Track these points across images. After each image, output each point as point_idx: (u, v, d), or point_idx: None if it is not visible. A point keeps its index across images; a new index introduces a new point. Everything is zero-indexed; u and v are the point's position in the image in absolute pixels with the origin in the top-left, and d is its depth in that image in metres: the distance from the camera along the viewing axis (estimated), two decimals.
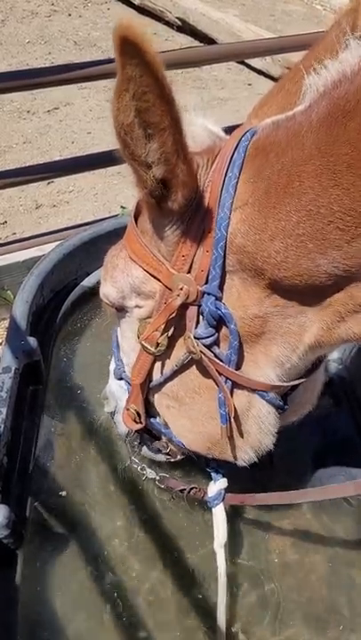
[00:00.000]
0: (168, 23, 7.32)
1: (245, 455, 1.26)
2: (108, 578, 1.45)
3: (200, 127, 1.09)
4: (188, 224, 1.01)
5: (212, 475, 1.47)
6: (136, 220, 1.14)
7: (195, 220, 1.00)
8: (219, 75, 6.36)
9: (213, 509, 1.43)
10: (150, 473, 1.60)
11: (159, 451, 1.52)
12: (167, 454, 1.52)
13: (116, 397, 1.50)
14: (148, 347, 1.14)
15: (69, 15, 7.30)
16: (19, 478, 1.50)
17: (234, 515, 1.58)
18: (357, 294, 0.96)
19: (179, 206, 0.98)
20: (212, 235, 0.99)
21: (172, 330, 1.13)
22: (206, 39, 6.79)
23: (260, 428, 1.20)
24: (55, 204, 4.19)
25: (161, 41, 6.97)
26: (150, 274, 1.10)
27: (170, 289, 1.07)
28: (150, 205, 1.02)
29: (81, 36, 6.87)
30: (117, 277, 1.17)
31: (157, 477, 1.59)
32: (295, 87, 1.07)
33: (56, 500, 1.56)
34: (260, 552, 1.55)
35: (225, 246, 0.99)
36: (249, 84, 6.32)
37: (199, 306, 1.06)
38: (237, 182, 0.97)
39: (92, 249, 1.99)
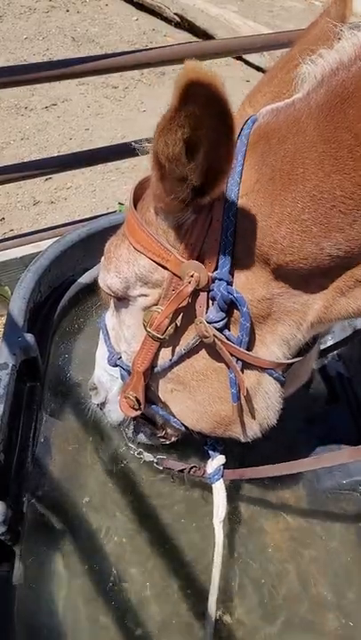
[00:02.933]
0: (166, 19, 7.30)
1: (251, 432, 1.29)
2: (105, 573, 1.45)
3: None
4: (197, 213, 1.03)
5: (210, 452, 1.51)
6: (135, 207, 1.14)
7: (203, 208, 1.02)
8: (217, 71, 6.32)
9: (214, 485, 1.46)
10: (147, 456, 1.62)
11: (154, 435, 1.55)
12: (162, 437, 1.54)
13: (106, 388, 1.51)
14: (156, 334, 1.16)
15: (67, 11, 7.28)
16: (15, 475, 1.49)
17: (231, 510, 1.59)
18: (358, 272, 1.00)
19: (204, 203, 1.00)
20: (221, 222, 1.01)
21: (180, 317, 1.15)
22: (205, 35, 6.78)
23: (268, 404, 1.23)
24: (53, 200, 4.18)
25: (159, 37, 6.96)
26: (158, 263, 1.11)
27: (179, 277, 1.08)
28: (171, 206, 1.02)
29: (79, 32, 6.86)
30: (122, 268, 1.17)
31: (155, 460, 1.60)
32: (288, 76, 1.10)
33: (53, 497, 1.56)
34: (257, 545, 1.56)
35: (234, 233, 1.01)
36: (247, 81, 6.31)
37: (209, 291, 1.08)
38: (242, 169, 0.99)
39: (90, 245, 1.99)
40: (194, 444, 1.58)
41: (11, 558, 1.39)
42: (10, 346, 1.55)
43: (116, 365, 1.40)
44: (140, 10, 7.49)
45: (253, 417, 1.25)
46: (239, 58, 6.57)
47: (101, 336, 1.46)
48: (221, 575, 1.38)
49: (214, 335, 1.10)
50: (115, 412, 1.52)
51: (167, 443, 1.57)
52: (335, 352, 1.96)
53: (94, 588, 1.43)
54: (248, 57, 6.48)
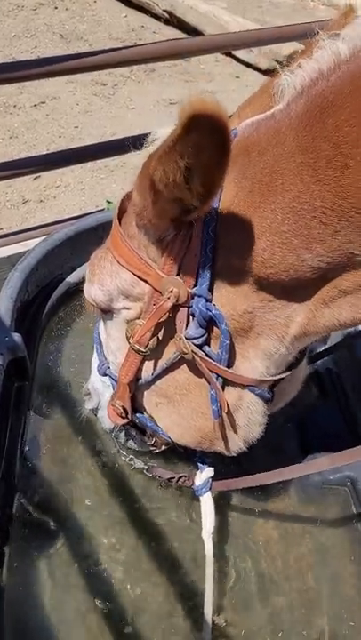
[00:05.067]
0: (155, 16, 7.29)
1: (235, 447, 1.29)
2: (95, 573, 1.45)
3: None
4: (177, 229, 1.02)
5: (199, 464, 1.51)
6: (119, 221, 1.14)
7: (184, 224, 1.01)
8: (206, 67, 6.34)
9: (201, 498, 1.46)
10: (138, 463, 1.62)
11: (144, 442, 1.55)
12: (152, 445, 1.54)
13: (99, 393, 1.51)
14: (138, 347, 1.16)
15: (56, 8, 7.24)
16: (4, 475, 1.49)
17: (221, 506, 1.59)
18: (341, 283, 0.98)
19: (191, 220, 0.99)
20: (200, 238, 1.00)
21: (162, 331, 1.15)
22: (194, 32, 6.76)
23: (250, 419, 1.23)
24: (42, 199, 4.17)
25: (148, 34, 6.94)
26: (139, 277, 1.10)
27: (159, 292, 1.08)
28: (157, 224, 1.02)
29: (67, 29, 6.83)
30: (105, 280, 1.17)
31: (145, 467, 1.60)
32: (276, 89, 1.09)
33: (43, 497, 1.55)
34: (247, 542, 1.56)
35: (213, 248, 1.01)
36: (237, 77, 6.31)
37: (189, 307, 1.08)
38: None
39: (78, 244, 1.98)
40: (185, 452, 1.58)
41: (0, 558, 1.39)
42: None
43: (105, 375, 1.41)
44: (129, 6, 7.46)
45: (236, 432, 1.24)
46: (229, 54, 6.56)
47: (95, 344, 1.46)
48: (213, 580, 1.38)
49: (193, 352, 1.10)
50: (105, 418, 1.52)
51: (157, 451, 1.57)
52: (323, 347, 1.96)
53: (84, 588, 1.43)
54: (237, 53, 6.48)
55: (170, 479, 1.55)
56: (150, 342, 1.15)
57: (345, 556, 1.57)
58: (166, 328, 1.14)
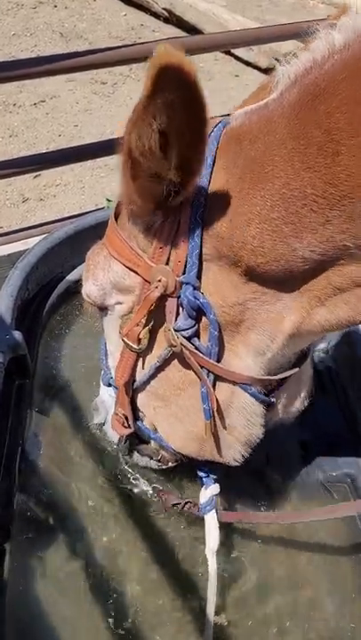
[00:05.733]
0: (155, 14, 7.27)
1: (236, 453, 1.25)
2: (96, 572, 1.45)
3: None
4: (165, 216, 1.01)
5: (204, 480, 1.44)
6: (116, 219, 1.13)
7: (171, 211, 0.99)
8: (206, 66, 6.33)
9: (205, 516, 1.40)
10: (143, 484, 1.58)
11: (150, 457, 1.49)
12: (158, 461, 1.49)
13: (107, 407, 1.49)
14: (130, 343, 1.13)
15: (55, 7, 7.24)
16: (5, 473, 1.49)
17: (222, 494, 1.58)
18: (334, 278, 0.97)
19: (174, 205, 0.97)
20: (188, 224, 0.99)
21: (152, 324, 1.11)
22: (193, 30, 6.76)
23: (247, 420, 1.19)
24: (42, 197, 4.17)
25: (148, 32, 6.93)
26: (129, 268, 1.09)
27: (149, 282, 1.06)
28: (142, 207, 1.00)
29: (67, 27, 6.82)
30: (98, 275, 1.16)
31: (150, 489, 1.57)
32: (273, 81, 1.09)
33: (43, 495, 1.55)
34: (248, 540, 1.56)
35: (201, 234, 0.99)
36: (236, 76, 6.30)
37: (178, 297, 1.05)
38: (212, 171, 0.97)
39: (78, 242, 1.98)
40: (192, 473, 1.52)
41: (1, 556, 1.39)
42: None
43: (109, 385, 1.38)
44: (129, 5, 7.45)
45: (233, 435, 1.21)
46: (228, 53, 6.55)
47: (102, 357, 1.42)
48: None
49: (181, 344, 1.07)
50: (110, 431, 1.49)
51: (163, 467, 1.53)
52: (323, 345, 1.96)
53: (85, 586, 1.43)
54: (237, 52, 6.47)
55: (174, 505, 1.49)
56: (142, 337, 1.11)
57: (346, 555, 1.57)
58: (157, 321, 1.11)
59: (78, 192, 4.28)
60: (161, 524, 1.57)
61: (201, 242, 1.00)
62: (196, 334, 1.09)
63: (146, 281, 1.07)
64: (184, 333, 1.07)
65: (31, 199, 4.13)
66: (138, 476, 1.60)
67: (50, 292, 1.97)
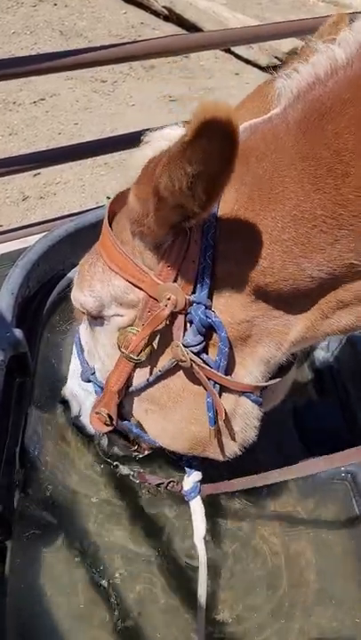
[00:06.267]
0: (155, 12, 7.27)
1: (230, 452, 1.26)
2: (96, 567, 1.46)
3: (172, 139, 1.06)
4: (175, 236, 1.01)
5: (186, 469, 1.47)
6: (110, 224, 1.12)
7: (182, 230, 0.99)
8: (206, 64, 6.33)
9: (191, 502, 1.43)
10: (124, 469, 1.60)
11: (127, 448, 1.52)
12: (136, 450, 1.52)
13: (80, 401, 1.49)
14: (132, 356, 1.14)
15: (55, 5, 7.23)
16: (6, 470, 1.49)
17: (221, 500, 1.59)
18: (341, 293, 0.98)
19: (191, 226, 0.97)
20: (199, 244, 0.99)
21: (156, 338, 1.13)
22: (193, 28, 6.75)
23: (247, 424, 1.21)
24: (42, 195, 4.17)
25: (148, 31, 6.92)
26: (133, 284, 1.08)
27: (155, 299, 1.06)
28: (155, 231, 1.00)
29: (67, 25, 6.81)
30: (96, 287, 1.15)
31: (132, 473, 1.59)
32: (272, 92, 1.07)
33: (44, 492, 1.56)
34: (247, 537, 1.56)
35: (212, 255, 0.99)
36: (236, 74, 6.30)
37: (186, 314, 1.06)
38: None
39: (78, 240, 1.97)
40: (171, 456, 1.56)
41: (2, 553, 1.39)
42: None
43: (88, 381, 1.38)
44: (129, 3, 7.44)
45: (232, 438, 1.22)
46: (228, 51, 6.55)
47: (75, 349, 1.43)
48: (210, 574, 1.38)
49: (191, 359, 1.07)
50: (88, 425, 1.49)
51: (141, 456, 1.55)
52: (324, 344, 1.96)
53: (86, 583, 1.44)
54: (237, 50, 6.47)
55: (158, 485, 1.52)
56: (144, 350, 1.12)
57: (345, 551, 1.58)
58: (161, 336, 1.12)
59: (78, 190, 4.28)
60: (166, 517, 1.57)
61: (213, 262, 1.00)
62: (205, 349, 1.10)
63: (151, 297, 1.07)
64: (193, 349, 1.08)
65: (31, 197, 4.13)
66: (119, 465, 1.62)
67: (50, 289, 1.96)
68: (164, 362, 1.15)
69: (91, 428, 1.47)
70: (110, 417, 1.31)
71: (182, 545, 1.52)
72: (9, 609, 1.32)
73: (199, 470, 1.46)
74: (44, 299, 1.94)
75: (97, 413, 1.33)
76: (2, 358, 1.50)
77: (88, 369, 1.37)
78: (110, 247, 1.10)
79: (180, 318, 1.07)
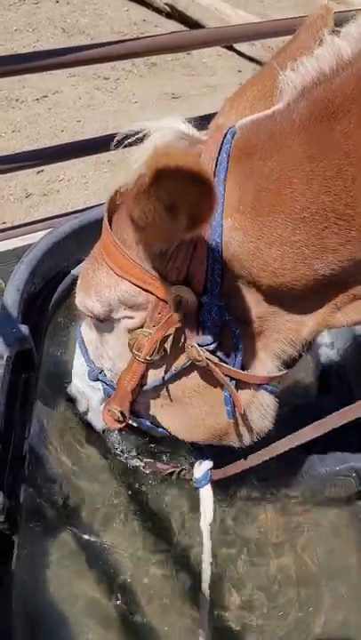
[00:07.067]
0: (157, 9, 7.25)
1: (246, 439, 1.28)
2: (102, 560, 1.47)
3: (171, 134, 1.03)
4: (180, 240, 1.00)
5: (198, 456, 1.50)
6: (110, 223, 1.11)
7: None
8: (209, 61, 6.32)
9: (201, 490, 1.46)
10: (135, 461, 1.61)
11: (138, 439, 1.55)
12: (148, 442, 1.55)
13: (87, 397, 1.50)
14: (146, 358, 1.13)
15: (57, 2, 7.21)
16: (12, 465, 1.50)
17: (227, 495, 1.59)
18: (351, 290, 0.99)
19: (189, 233, 0.96)
20: (206, 244, 0.98)
21: (170, 339, 1.12)
22: (196, 25, 6.72)
23: (263, 415, 1.23)
24: (45, 192, 4.17)
25: (150, 28, 6.91)
26: (141, 287, 1.07)
27: (164, 301, 1.05)
28: (154, 239, 0.99)
29: (69, 23, 6.80)
30: (103, 292, 1.14)
31: (142, 465, 1.60)
32: (270, 82, 1.07)
33: (50, 486, 1.57)
34: (252, 533, 1.57)
35: (221, 254, 0.98)
36: (239, 71, 6.28)
37: (198, 314, 1.06)
38: (225, 189, 0.96)
39: (83, 237, 1.98)
40: (181, 443, 1.55)
41: (9, 547, 1.40)
42: (4, 337, 1.54)
43: (97, 379, 1.38)
44: (131, 0, 7.43)
45: (248, 428, 1.24)
46: (231, 48, 6.53)
47: (78, 348, 1.43)
48: (215, 564, 1.39)
49: (207, 358, 1.08)
50: (97, 421, 1.50)
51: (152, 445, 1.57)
52: (329, 342, 1.97)
53: (92, 576, 1.45)
54: (240, 47, 6.45)
55: (170, 473, 1.54)
56: (157, 352, 1.12)
57: (352, 547, 1.58)
58: (174, 336, 1.12)
59: (82, 187, 4.27)
60: (173, 510, 1.59)
61: (221, 261, 0.99)
62: (218, 347, 1.10)
63: (160, 299, 1.06)
64: (208, 348, 1.08)
65: (34, 194, 4.13)
66: (129, 458, 1.63)
67: (55, 285, 1.97)
68: (179, 361, 1.15)
69: (98, 424, 1.48)
70: (123, 414, 1.31)
71: (193, 535, 1.54)
72: (15, 600, 1.33)
73: (210, 458, 1.48)
74: (50, 295, 1.95)
75: (109, 411, 1.33)
76: (8, 354, 1.51)
77: (95, 368, 1.37)
78: (114, 251, 1.08)
79: (192, 318, 1.07)
